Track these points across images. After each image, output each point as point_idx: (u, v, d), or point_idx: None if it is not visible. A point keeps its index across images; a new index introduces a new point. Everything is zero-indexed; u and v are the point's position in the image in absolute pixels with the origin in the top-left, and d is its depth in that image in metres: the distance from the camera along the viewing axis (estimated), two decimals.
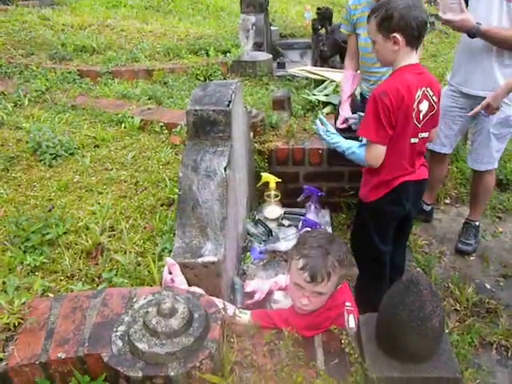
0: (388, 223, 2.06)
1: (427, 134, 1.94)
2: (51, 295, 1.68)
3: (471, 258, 2.92)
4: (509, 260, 2.85)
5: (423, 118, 1.87)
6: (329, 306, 1.56)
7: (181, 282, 1.62)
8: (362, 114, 2.08)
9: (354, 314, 1.58)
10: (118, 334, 1.31)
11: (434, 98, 1.88)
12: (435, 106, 1.89)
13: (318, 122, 2.09)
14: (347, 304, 1.63)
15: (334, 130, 2.06)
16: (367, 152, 1.88)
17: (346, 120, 2.59)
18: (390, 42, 1.79)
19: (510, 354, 2.25)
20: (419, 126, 1.87)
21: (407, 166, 1.92)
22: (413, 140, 1.89)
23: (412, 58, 1.83)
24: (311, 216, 2.42)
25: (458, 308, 2.50)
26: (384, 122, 1.78)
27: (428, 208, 3.13)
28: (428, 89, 1.85)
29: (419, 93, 1.81)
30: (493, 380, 2.12)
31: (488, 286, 2.68)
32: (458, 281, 2.66)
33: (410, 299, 1.24)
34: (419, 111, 1.84)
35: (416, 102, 1.81)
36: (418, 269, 1.28)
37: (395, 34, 1.76)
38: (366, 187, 2.02)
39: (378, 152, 1.85)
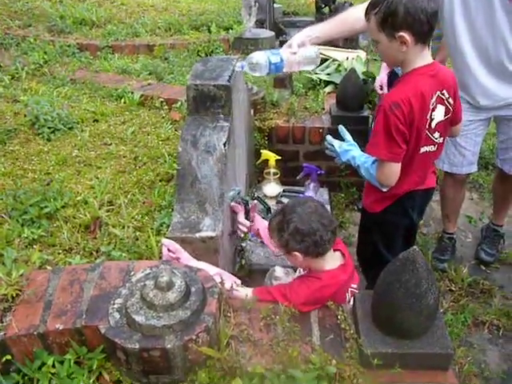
0: (395, 233, 1.93)
1: (442, 139, 1.75)
2: (49, 268, 1.69)
3: (467, 240, 2.94)
4: (504, 243, 2.86)
5: (436, 125, 1.69)
6: (327, 282, 1.57)
7: (187, 257, 1.62)
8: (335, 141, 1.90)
9: None
10: (116, 306, 1.32)
11: (450, 100, 1.68)
12: (451, 108, 1.70)
13: (328, 137, 1.93)
14: (353, 286, 1.65)
15: (352, 140, 1.88)
16: (379, 171, 1.69)
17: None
18: (397, 42, 1.54)
19: (501, 332, 2.29)
20: (432, 134, 1.69)
21: (418, 179, 1.78)
22: (424, 149, 1.71)
23: (425, 56, 1.61)
24: (310, 194, 2.42)
25: (453, 288, 2.52)
26: (396, 137, 1.59)
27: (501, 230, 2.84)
28: (444, 91, 1.65)
29: (433, 100, 1.62)
30: (483, 357, 2.16)
31: (483, 268, 2.71)
32: (453, 263, 2.68)
33: (407, 277, 1.25)
34: (432, 119, 1.65)
35: (430, 111, 1.62)
36: (415, 247, 1.28)
37: (402, 33, 1.51)
38: (370, 198, 1.88)
39: (392, 170, 1.66)
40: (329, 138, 1.93)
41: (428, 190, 1.88)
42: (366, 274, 2.15)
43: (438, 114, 1.67)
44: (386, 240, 1.94)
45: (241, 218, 1.98)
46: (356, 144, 1.89)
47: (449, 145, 2.38)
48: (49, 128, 2.88)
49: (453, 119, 1.80)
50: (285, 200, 2.48)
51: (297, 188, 2.57)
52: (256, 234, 2.05)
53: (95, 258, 1.83)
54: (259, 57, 1.81)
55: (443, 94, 1.66)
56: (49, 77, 3.89)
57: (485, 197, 3.33)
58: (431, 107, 1.63)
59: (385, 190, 1.76)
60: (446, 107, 1.69)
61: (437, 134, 1.71)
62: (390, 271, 1.31)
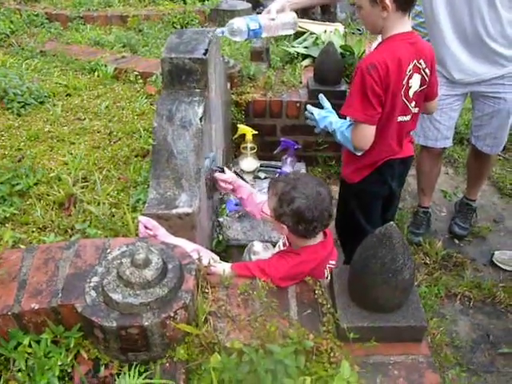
0: (373, 203, 1.95)
1: (417, 109, 1.78)
2: (23, 247, 1.65)
3: (442, 214, 3.00)
4: (477, 217, 2.92)
5: (413, 94, 1.71)
6: (306, 258, 1.58)
7: (164, 234, 1.60)
8: (315, 109, 1.92)
9: None
10: (92, 284, 1.30)
11: (427, 70, 1.70)
12: (427, 78, 1.72)
13: (309, 106, 1.94)
14: (331, 262, 1.66)
15: (330, 108, 1.91)
16: (354, 134, 1.71)
17: None
18: (378, 7, 1.57)
19: (471, 303, 2.36)
20: (409, 103, 1.71)
21: (395, 147, 1.79)
22: (400, 118, 1.73)
23: (404, 24, 1.63)
24: (287, 169, 2.41)
25: (428, 262, 2.58)
26: (372, 99, 1.61)
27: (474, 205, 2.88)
28: (421, 61, 1.67)
29: (410, 67, 1.64)
30: (454, 328, 2.23)
31: (456, 241, 2.77)
32: (428, 236, 2.73)
33: (383, 252, 1.26)
34: (409, 87, 1.67)
35: (406, 78, 1.64)
36: (392, 222, 1.29)
37: None
38: (349, 168, 1.89)
39: (367, 133, 1.67)
40: (309, 106, 1.95)
41: (406, 158, 1.90)
42: (344, 246, 2.18)
43: (415, 83, 1.69)
44: (365, 210, 1.96)
45: (221, 176, 1.93)
46: (334, 111, 1.91)
47: (424, 119, 2.39)
48: (19, 102, 2.79)
49: (429, 93, 1.81)
50: (262, 175, 2.48)
51: (274, 163, 2.56)
52: (239, 199, 2.01)
53: (70, 236, 1.80)
54: (239, 23, 1.87)
55: (420, 64, 1.68)
56: (16, 48, 3.75)
57: (459, 172, 3.39)
58: (408, 74, 1.65)
59: (359, 153, 1.78)
60: (422, 77, 1.71)
61: (413, 103, 1.73)
62: (367, 246, 1.32)
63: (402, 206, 2.97)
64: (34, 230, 1.86)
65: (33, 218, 1.91)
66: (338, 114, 1.88)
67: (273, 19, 1.93)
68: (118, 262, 1.32)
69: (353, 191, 1.96)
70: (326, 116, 1.87)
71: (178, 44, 1.84)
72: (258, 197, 1.89)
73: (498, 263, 2.59)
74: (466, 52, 2.18)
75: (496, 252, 2.63)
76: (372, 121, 1.66)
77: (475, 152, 2.62)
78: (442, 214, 3.00)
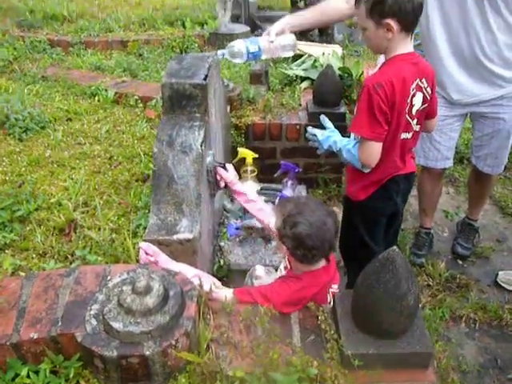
0: (378, 220, 1.95)
1: (419, 127, 1.81)
2: (22, 274, 1.64)
3: (444, 234, 2.98)
4: (480, 237, 2.90)
5: (416, 112, 1.74)
6: (308, 283, 1.57)
7: (166, 260, 1.59)
8: (317, 130, 1.95)
9: None
10: (92, 312, 1.28)
11: (428, 89, 1.74)
12: (429, 97, 1.76)
13: (309, 128, 1.96)
14: (334, 286, 1.64)
15: (333, 127, 1.93)
16: (361, 151, 1.72)
17: None
18: (383, 28, 1.61)
19: (477, 326, 2.31)
20: (411, 120, 1.74)
21: (399, 163, 1.81)
22: (404, 136, 1.75)
23: (407, 45, 1.68)
24: (288, 192, 2.41)
25: (431, 283, 2.55)
26: (379, 117, 1.63)
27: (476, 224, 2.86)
28: (423, 80, 1.71)
29: (413, 85, 1.68)
30: (460, 351, 2.19)
31: (460, 262, 2.75)
32: (431, 257, 2.71)
33: (386, 277, 1.25)
34: (412, 105, 1.71)
35: (410, 96, 1.68)
36: (395, 247, 1.28)
37: (388, 21, 1.58)
38: (355, 186, 1.89)
39: (374, 150, 1.69)
40: (310, 128, 1.97)
41: (409, 174, 1.91)
42: (348, 266, 2.16)
43: (418, 101, 1.73)
44: (369, 227, 1.95)
45: (222, 173, 1.95)
46: (337, 131, 1.93)
47: (424, 139, 2.40)
48: (20, 127, 2.80)
49: (429, 112, 1.84)
50: (262, 198, 2.46)
51: (274, 186, 2.56)
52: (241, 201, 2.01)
53: (70, 263, 1.79)
54: (239, 45, 1.95)
55: (422, 83, 1.72)
56: (19, 74, 3.80)
57: (460, 191, 3.38)
58: (412, 92, 1.68)
59: (366, 171, 1.79)
60: (424, 95, 1.74)
61: (415, 121, 1.76)
62: (370, 271, 1.30)
63: (404, 226, 2.95)
64: (34, 256, 1.85)
65: (33, 244, 1.90)
66: (340, 134, 1.90)
67: (272, 41, 1.99)
68: (119, 289, 1.31)
69: (358, 208, 1.95)
70: (329, 136, 1.89)
71: (179, 69, 1.86)
72: (259, 202, 1.93)
73: (502, 284, 2.56)
74: (464, 73, 2.19)
75: (500, 272, 2.60)
76: (379, 138, 1.68)
77: (476, 172, 2.61)
78: (444, 235, 2.98)
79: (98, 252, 1.82)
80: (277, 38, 2.00)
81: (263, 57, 2.01)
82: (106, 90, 3.31)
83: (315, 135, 1.92)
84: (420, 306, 2.33)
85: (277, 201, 2.36)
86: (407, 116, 1.72)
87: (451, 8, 2.04)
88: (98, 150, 2.61)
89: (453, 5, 2.03)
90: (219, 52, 1.96)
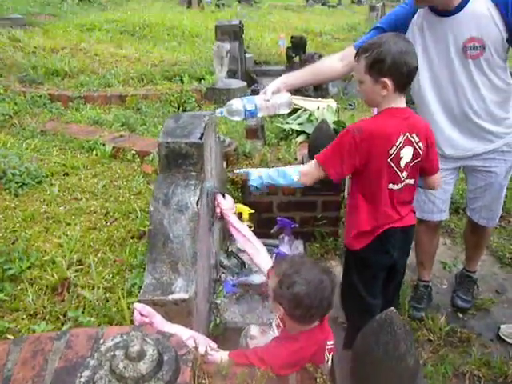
0: (375, 273, 1.94)
1: (412, 181, 1.84)
2: (11, 337, 1.60)
3: (443, 287, 2.94)
4: (479, 289, 2.87)
5: (406, 165, 1.78)
6: (305, 343, 1.53)
7: (161, 321, 1.56)
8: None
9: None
10: (83, 379, 1.24)
11: (420, 144, 1.78)
12: (421, 152, 1.80)
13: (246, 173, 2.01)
14: (328, 343, 1.60)
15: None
16: (307, 166, 1.85)
17: None
18: (379, 85, 1.70)
19: (482, 383, 2.24)
20: (401, 172, 1.78)
21: (392, 214, 1.82)
22: (391, 186, 1.79)
23: (399, 102, 1.76)
24: (284, 248, 2.40)
25: (432, 338, 2.49)
26: (345, 157, 1.72)
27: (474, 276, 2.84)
28: (413, 135, 1.76)
29: (401, 138, 1.73)
30: None
31: (460, 315, 2.70)
32: (430, 311, 2.66)
33: (385, 339, 1.23)
34: (399, 157, 1.76)
35: (395, 148, 1.72)
36: (392, 308, 1.26)
37: (385, 79, 1.68)
38: (350, 234, 1.92)
39: (316, 173, 1.81)
40: (239, 171, 2.07)
41: (407, 227, 1.90)
42: (347, 318, 2.15)
43: (406, 155, 1.76)
44: (366, 280, 1.94)
45: (221, 200, 2.02)
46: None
47: (419, 193, 2.41)
48: (16, 183, 2.81)
49: (427, 168, 1.89)
50: None
51: (271, 241, 2.55)
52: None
53: (62, 324, 1.75)
54: (237, 104, 2.03)
55: (413, 137, 1.76)
56: (18, 128, 3.85)
57: (457, 241, 3.37)
58: (398, 144, 1.72)
59: (296, 181, 1.86)
60: (415, 150, 1.78)
61: (405, 174, 1.79)
62: (368, 332, 1.28)
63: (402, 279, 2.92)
64: (24, 317, 1.81)
65: (24, 305, 1.87)
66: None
67: (268, 100, 2.06)
68: (112, 353, 1.27)
69: (355, 259, 1.95)
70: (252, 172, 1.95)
71: (175, 128, 1.89)
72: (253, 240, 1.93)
73: (505, 338, 2.50)
74: (455, 129, 2.24)
75: (502, 326, 2.55)
76: (329, 171, 1.76)
77: (472, 224, 2.62)
78: (443, 287, 2.94)
79: (91, 312, 1.78)
80: (273, 97, 2.07)
81: (260, 114, 2.08)
82: (103, 145, 3.35)
83: (248, 173, 1.97)
84: (421, 362, 2.27)
85: (273, 257, 2.34)
86: (394, 167, 1.75)
87: (440, 68, 2.12)
88: (95, 205, 2.61)
89: (441, 65, 2.11)
90: (218, 110, 2.03)
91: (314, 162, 1.83)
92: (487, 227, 2.57)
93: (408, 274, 2.98)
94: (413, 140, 1.76)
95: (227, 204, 2.01)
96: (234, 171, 2.13)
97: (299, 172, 1.85)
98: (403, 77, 1.69)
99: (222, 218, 2.06)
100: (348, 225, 1.95)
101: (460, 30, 2.01)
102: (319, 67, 2.28)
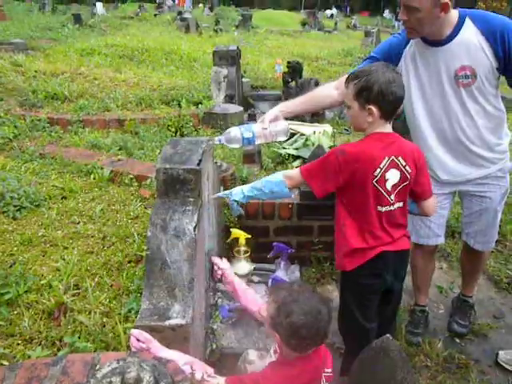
0: (368, 297, 1.95)
1: (402, 204, 1.87)
2: (6, 363, 1.59)
3: (440, 311, 2.94)
4: (476, 314, 2.87)
5: (393, 188, 1.81)
6: (301, 368, 1.53)
7: (158, 347, 1.56)
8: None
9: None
10: None
11: (408, 168, 1.82)
12: (408, 176, 1.83)
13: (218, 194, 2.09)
14: (327, 370, 1.60)
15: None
16: (291, 171, 1.93)
17: None
18: (366, 112, 1.77)
19: None
20: (388, 195, 1.81)
21: (381, 236, 1.84)
22: (380, 208, 1.82)
23: (384, 128, 1.82)
24: (281, 273, 2.41)
25: (429, 364, 2.47)
26: (328, 175, 1.78)
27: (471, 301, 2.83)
28: (399, 158, 1.80)
29: (386, 161, 1.77)
30: None
31: (457, 340, 2.69)
32: (427, 336, 2.65)
33: (381, 366, 1.23)
34: (385, 180, 1.79)
35: (380, 170, 1.77)
36: (388, 335, 1.26)
37: (371, 106, 1.75)
38: (339, 254, 1.94)
39: (298, 180, 1.88)
40: (217, 194, 2.10)
41: (401, 251, 1.92)
42: (344, 342, 2.15)
43: (392, 177, 1.80)
44: (361, 305, 1.94)
45: (217, 261, 2.08)
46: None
47: (415, 217, 2.44)
48: (14, 206, 2.82)
49: (418, 192, 1.93)
50: (255, 279, 2.46)
51: (268, 266, 2.56)
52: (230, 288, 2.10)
53: (58, 349, 1.74)
54: (235, 132, 2.07)
55: (399, 160, 1.80)
56: (17, 151, 3.87)
57: (454, 266, 3.37)
58: (382, 167, 1.77)
59: (283, 179, 1.90)
60: (403, 173, 1.82)
61: (393, 196, 1.83)
62: (364, 360, 1.29)
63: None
64: (20, 342, 1.80)
65: (19, 329, 1.86)
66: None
67: (265, 128, 2.10)
68: (108, 380, 1.26)
69: (348, 283, 1.96)
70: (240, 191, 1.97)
71: (173, 154, 1.92)
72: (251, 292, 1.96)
73: (504, 364, 2.48)
74: (450, 156, 2.28)
75: (500, 352, 2.53)
76: (311, 184, 1.82)
77: (467, 248, 2.63)
78: (439, 311, 2.94)
79: (87, 337, 1.77)
80: (270, 125, 2.12)
81: (257, 142, 2.13)
82: (101, 169, 3.37)
83: (227, 195, 2.00)
84: None
85: (269, 282, 2.35)
86: (380, 189, 1.79)
87: (432, 97, 2.16)
88: (92, 229, 2.61)
89: (434, 94, 2.16)
90: (216, 138, 2.07)
91: (298, 171, 1.88)
92: (483, 251, 2.58)
93: (404, 298, 2.98)
94: (399, 163, 1.81)
95: (225, 264, 2.07)
96: (211, 197, 2.16)
97: (283, 174, 1.91)
98: (389, 105, 1.76)
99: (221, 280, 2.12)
100: (337, 245, 1.97)
101: (451, 60, 2.07)
102: (316, 95, 2.32)
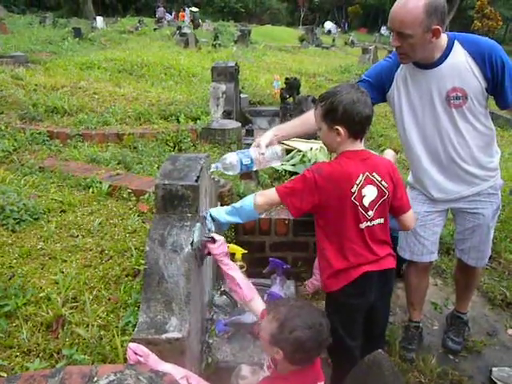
0: (353, 316, 1.96)
1: (382, 220, 1.89)
2: (4, 375, 1.61)
3: (434, 328, 2.97)
4: (470, 330, 2.89)
5: (371, 204, 1.84)
6: (294, 382, 1.56)
7: (155, 360, 1.58)
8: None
9: None
10: None
11: (384, 182, 1.86)
12: (386, 191, 1.87)
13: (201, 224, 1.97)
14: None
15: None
16: (264, 193, 1.92)
17: None
18: (334, 132, 1.81)
19: None
20: (365, 211, 1.83)
21: (365, 253, 1.86)
22: (360, 225, 1.84)
23: (355, 146, 1.85)
24: (276, 289, 2.43)
25: (423, 380, 2.50)
26: (304, 194, 1.80)
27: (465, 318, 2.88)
28: (374, 174, 1.84)
29: (361, 178, 1.81)
30: None
31: (451, 357, 2.71)
32: (421, 352, 2.68)
33: (373, 380, 1.26)
34: (362, 196, 1.82)
35: (356, 187, 1.80)
36: (380, 350, 1.30)
37: (338, 127, 1.79)
38: (324, 275, 1.95)
39: (272, 199, 1.87)
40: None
41: (385, 271, 1.92)
42: (331, 359, 2.13)
43: (369, 193, 1.84)
44: (345, 323, 1.94)
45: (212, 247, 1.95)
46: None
47: (409, 234, 2.48)
48: (14, 219, 2.83)
49: (398, 207, 1.97)
50: None
51: (263, 281, 2.59)
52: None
53: (56, 361, 1.76)
54: (232, 158, 2.04)
55: (373, 176, 1.85)
56: (17, 164, 3.89)
57: (448, 282, 3.40)
58: (358, 183, 1.80)
59: (252, 201, 1.89)
60: (379, 188, 1.86)
61: (371, 213, 1.85)
62: (356, 375, 1.31)
63: (393, 320, 2.95)
64: (18, 354, 1.82)
65: (18, 342, 1.87)
66: None
67: (263, 154, 2.10)
68: None
69: (332, 301, 1.97)
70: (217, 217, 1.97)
71: (172, 170, 1.96)
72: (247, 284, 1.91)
73: (497, 381, 2.50)
74: (442, 175, 2.33)
75: (494, 369, 2.56)
76: (286, 202, 1.83)
77: (461, 265, 2.67)
78: (433, 328, 2.97)
79: (85, 350, 1.79)
80: (266, 150, 2.13)
81: (254, 168, 2.12)
82: (100, 183, 3.39)
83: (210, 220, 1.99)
84: None
85: (265, 297, 2.38)
86: (358, 206, 1.81)
87: (424, 118, 2.23)
88: (90, 242, 2.64)
89: (426, 115, 2.22)
90: (213, 165, 2.06)
91: (274, 190, 1.89)
92: (477, 267, 2.62)
93: (399, 314, 3.02)
94: (374, 179, 1.84)
95: (218, 249, 1.97)
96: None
97: (256, 193, 1.92)
98: (355, 124, 1.80)
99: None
100: (320, 268, 2.00)
101: (443, 82, 2.13)
102: (308, 118, 2.28)
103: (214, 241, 1.88)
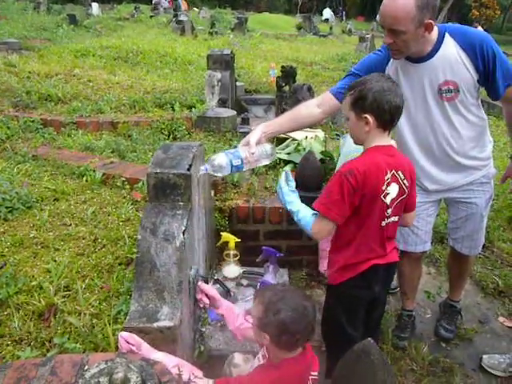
0: (357, 307, 1.97)
1: (397, 218, 1.89)
2: None
3: (427, 316, 2.98)
4: (462, 318, 2.91)
5: (392, 202, 1.83)
6: (287, 371, 1.56)
7: (147, 348, 1.58)
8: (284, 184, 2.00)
9: None
10: None
11: (406, 181, 1.85)
12: (406, 190, 1.86)
13: (283, 174, 2.00)
14: (313, 373, 1.64)
15: (294, 188, 1.99)
16: (316, 223, 1.81)
17: None
18: (362, 121, 1.78)
19: None
20: (388, 209, 1.83)
21: (377, 249, 1.86)
22: (382, 223, 1.83)
23: (383, 139, 1.82)
24: (269, 277, 2.44)
25: (415, 368, 2.51)
26: (346, 200, 1.73)
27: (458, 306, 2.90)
28: (399, 172, 1.82)
29: (389, 175, 1.78)
30: None
31: (443, 344, 2.73)
32: (414, 340, 2.70)
33: (362, 368, 1.26)
34: (387, 194, 1.80)
35: (385, 185, 1.78)
36: (370, 338, 1.30)
37: (367, 115, 1.75)
38: (333, 268, 1.95)
39: (327, 228, 1.80)
40: (287, 172, 2.05)
41: (390, 264, 1.95)
42: (327, 349, 2.15)
43: (392, 191, 1.82)
44: (348, 314, 1.96)
45: (203, 287, 1.96)
46: (297, 192, 1.98)
47: None
48: (6, 208, 2.83)
49: (410, 205, 1.95)
50: (244, 282, 2.49)
51: (257, 269, 2.59)
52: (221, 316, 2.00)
53: (48, 350, 1.77)
54: (221, 159, 1.91)
55: (399, 175, 1.82)
56: (10, 153, 3.87)
57: (441, 271, 3.42)
58: (386, 180, 1.77)
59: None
60: (401, 187, 1.83)
61: (390, 210, 1.84)
62: (346, 363, 1.32)
63: (386, 308, 2.95)
64: (10, 343, 1.82)
65: (9, 330, 1.88)
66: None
67: (253, 153, 2.00)
68: (96, 380, 1.29)
69: (336, 294, 1.98)
70: (289, 194, 1.96)
71: (164, 159, 1.95)
72: (238, 313, 1.91)
73: (487, 368, 2.53)
74: (435, 166, 2.33)
75: (484, 356, 2.58)
76: (336, 220, 1.77)
77: (454, 253, 2.68)
78: (426, 316, 2.98)
79: (76, 339, 1.80)
80: (255, 148, 2.03)
81: (245, 168, 2.02)
82: (94, 171, 3.38)
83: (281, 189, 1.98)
84: None
85: (258, 286, 2.39)
86: (384, 204, 1.80)
87: (416, 111, 2.21)
88: (83, 231, 2.63)
89: (418, 108, 2.20)
90: (202, 168, 1.94)
91: (318, 216, 1.81)
92: (470, 256, 2.64)
93: (392, 302, 3.03)
94: (398, 177, 1.82)
95: (210, 290, 1.96)
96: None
97: (312, 231, 1.84)
98: (385, 113, 1.76)
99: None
100: (333, 260, 1.97)
101: (435, 75, 2.11)
102: (297, 114, 2.28)
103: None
